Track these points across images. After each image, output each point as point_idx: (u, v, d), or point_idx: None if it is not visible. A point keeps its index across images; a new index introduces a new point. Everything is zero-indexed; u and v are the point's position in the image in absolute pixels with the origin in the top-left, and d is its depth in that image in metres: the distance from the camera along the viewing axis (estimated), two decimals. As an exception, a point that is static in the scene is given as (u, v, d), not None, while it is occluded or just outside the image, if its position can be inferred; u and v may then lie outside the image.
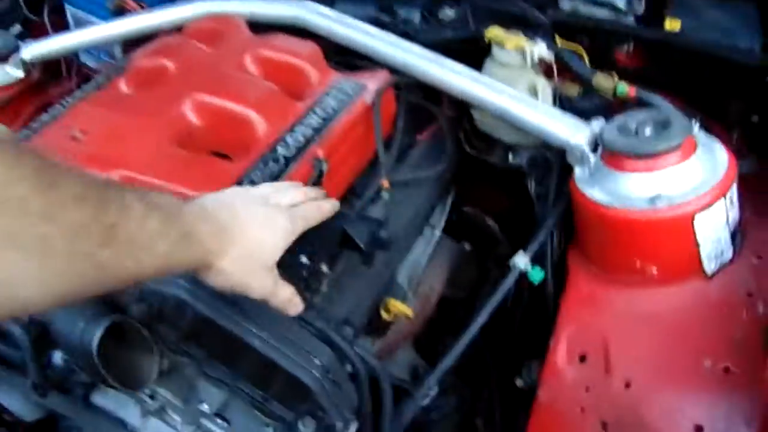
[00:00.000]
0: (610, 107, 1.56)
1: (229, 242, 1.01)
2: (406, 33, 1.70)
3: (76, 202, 0.76)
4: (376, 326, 1.44)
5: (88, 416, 1.43)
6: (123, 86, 1.59)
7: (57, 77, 2.14)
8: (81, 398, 1.45)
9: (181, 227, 0.93)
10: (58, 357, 1.41)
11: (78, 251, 0.78)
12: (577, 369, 1.32)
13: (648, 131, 1.32)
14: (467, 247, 1.81)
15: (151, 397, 1.39)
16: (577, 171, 1.39)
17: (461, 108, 1.66)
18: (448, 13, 1.79)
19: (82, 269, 0.80)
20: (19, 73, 2.03)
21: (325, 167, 1.29)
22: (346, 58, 1.71)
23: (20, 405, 1.51)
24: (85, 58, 2.17)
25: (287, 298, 1.14)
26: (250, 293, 1.09)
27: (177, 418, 1.40)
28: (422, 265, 1.56)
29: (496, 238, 1.88)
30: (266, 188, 1.17)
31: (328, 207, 1.19)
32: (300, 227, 1.12)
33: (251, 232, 1.05)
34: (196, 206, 0.99)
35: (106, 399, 1.44)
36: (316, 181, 1.28)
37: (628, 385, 1.24)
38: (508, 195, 1.84)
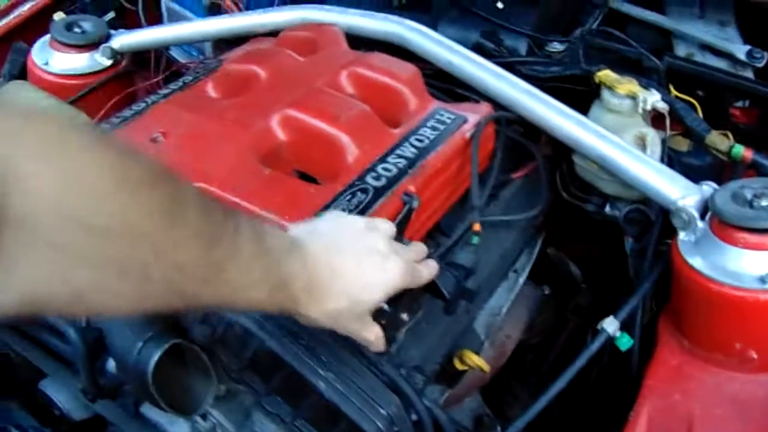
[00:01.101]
0: (720, 167, 1.47)
1: (322, 299, 0.98)
2: (510, 64, 1.61)
3: (192, 240, 0.77)
4: (447, 375, 1.36)
5: (135, 427, 1.38)
6: (210, 89, 1.55)
7: (145, 69, 2.09)
8: (131, 407, 1.41)
9: (280, 278, 0.92)
10: (112, 365, 1.37)
11: (176, 286, 0.79)
12: (656, 451, 1.23)
13: (765, 203, 1.21)
14: (546, 290, 1.71)
15: (203, 417, 1.34)
16: (682, 235, 1.29)
17: (560, 148, 1.56)
18: (556, 46, 1.70)
19: (172, 299, 0.81)
20: (107, 62, 2.00)
21: (416, 204, 1.20)
22: (444, 83, 1.62)
23: (69, 402, 1.47)
24: (175, 53, 2.13)
25: (372, 340, 1.09)
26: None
27: (228, 443, 1.34)
28: (502, 312, 1.47)
29: (578, 285, 1.79)
30: (380, 223, 1.09)
31: (434, 271, 1.13)
32: (408, 285, 1.06)
33: (353, 288, 1.00)
34: (301, 255, 0.95)
35: (157, 413, 1.39)
36: (405, 219, 1.19)
37: (711, 478, 1.15)
38: (597, 244, 1.75)
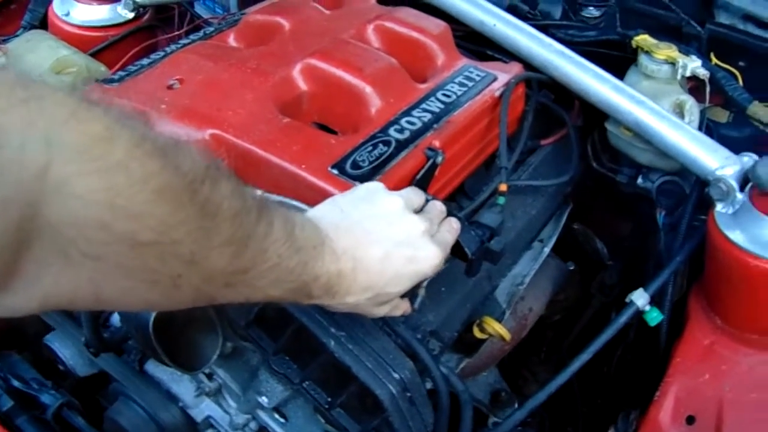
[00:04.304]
0: (761, 141, 1.41)
1: (341, 295, 0.93)
2: (544, 27, 1.54)
3: (222, 248, 0.74)
4: (465, 343, 1.31)
5: (139, 384, 1.36)
6: (231, 40, 1.50)
7: (168, 25, 2.05)
8: (135, 364, 1.40)
9: (302, 279, 0.87)
10: (116, 318, 1.33)
11: (202, 291, 0.77)
12: (682, 432, 1.19)
13: (809, 175, 1.15)
14: (571, 267, 1.65)
15: (209, 376, 1.32)
16: (719, 207, 1.23)
17: (592, 118, 1.51)
18: (592, 11, 1.64)
19: (195, 301, 0.79)
20: (129, 15, 1.96)
21: (440, 159, 1.15)
22: (474, 45, 1.57)
23: (74, 358, 1.46)
24: (199, 9, 2.08)
25: (397, 314, 1.05)
26: None
27: (232, 403, 1.33)
28: (525, 282, 1.41)
29: (603, 262, 1.73)
30: (414, 197, 1.03)
31: (457, 227, 1.06)
32: (442, 261, 1.00)
33: (377, 282, 0.94)
34: (328, 255, 0.89)
35: (161, 371, 1.38)
36: (428, 174, 1.14)
37: (740, 464, 1.10)
38: (625, 219, 1.69)
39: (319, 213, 0.95)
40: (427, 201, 1.04)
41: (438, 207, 1.05)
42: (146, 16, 2.01)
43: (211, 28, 1.58)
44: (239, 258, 0.76)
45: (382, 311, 1.00)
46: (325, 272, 0.88)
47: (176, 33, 1.95)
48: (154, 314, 1.09)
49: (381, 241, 0.94)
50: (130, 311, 1.15)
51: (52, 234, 0.60)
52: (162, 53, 1.44)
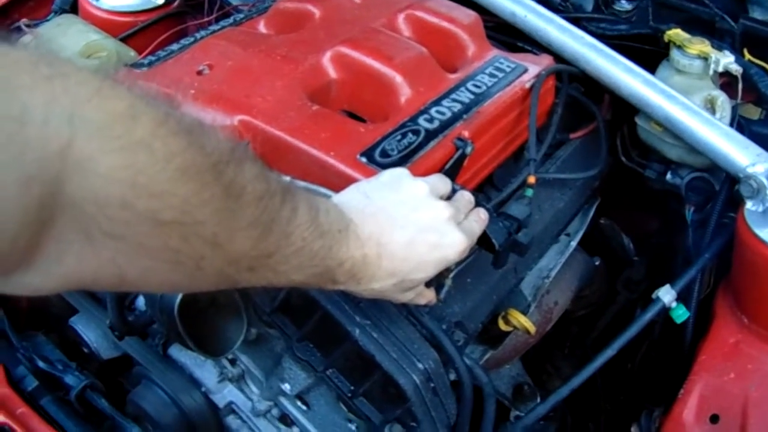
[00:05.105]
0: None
1: (366, 281, 0.93)
2: (575, 20, 1.53)
3: (246, 230, 0.74)
4: (490, 335, 1.31)
5: (162, 368, 1.36)
6: (261, 26, 1.49)
7: (199, 12, 2.04)
8: (159, 348, 1.40)
9: (326, 264, 0.86)
10: (142, 302, 1.34)
11: (225, 274, 0.76)
12: (706, 430, 1.18)
13: (843, 174, 1.14)
14: (597, 262, 1.64)
15: (232, 362, 1.32)
16: (749, 205, 1.22)
17: (622, 112, 1.49)
18: (624, 4, 1.62)
19: (218, 284, 0.79)
20: (159, 0, 1.97)
21: (469, 150, 1.14)
22: (505, 36, 1.56)
23: (99, 340, 1.47)
24: (229, -4, 2.08)
25: (423, 303, 1.05)
26: None
27: (255, 390, 1.34)
28: (551, 276, 1.41)
29: (629, 258, 1.72)
30: (439, 184, 1.02)
31: (485, 217, 1.05)
32: (467, 248, 0.99)
33: (401, 268, 0.93)
34: (352, 239, 0.89)
35: (185, 355, 1.38)
36: (456, 164, 1.13)
37: (765, 463, 1.09)
38: (653, 215, 1.68)
39: (344, 198, 0.95)
40: (455, 191, 1.04)
41: (466, 197, 1.04)
42: (176, 2, 2.00)
43: (241, 15, 1.58)
44: (263, 241, 0.76)
45: (406, 297, 0.99)
46: (349, 257, 0.88)
47: (206, 19, 1.95)
48: (179, 299, 1.09)
49: (405, 226, 0.93)
50: (154, 293, 1.15)
51: (74, 212, 0.60)
52: (192, 39, 1.44)
